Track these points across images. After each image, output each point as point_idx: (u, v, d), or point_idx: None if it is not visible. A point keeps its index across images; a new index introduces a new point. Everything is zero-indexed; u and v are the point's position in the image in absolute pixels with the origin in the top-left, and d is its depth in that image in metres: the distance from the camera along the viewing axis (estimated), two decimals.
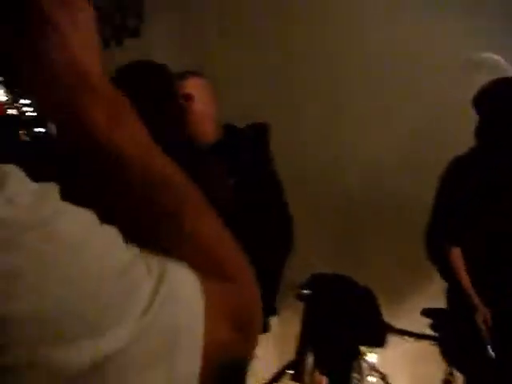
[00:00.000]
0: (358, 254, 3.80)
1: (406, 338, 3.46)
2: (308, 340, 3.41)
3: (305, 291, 3.42)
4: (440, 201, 2.72)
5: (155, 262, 0.62)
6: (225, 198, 2.04)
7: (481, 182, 2.60)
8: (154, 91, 2.11)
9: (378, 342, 3.41)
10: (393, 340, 3.44)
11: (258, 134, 2.78)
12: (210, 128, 2.55)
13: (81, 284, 0.55)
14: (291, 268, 3.25)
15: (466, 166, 2.67)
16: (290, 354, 3.41)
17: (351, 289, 3.41)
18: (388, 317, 3.48)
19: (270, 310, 2.86)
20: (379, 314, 3.40)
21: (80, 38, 0.67)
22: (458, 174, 2.69)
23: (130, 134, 0.68)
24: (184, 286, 0.62)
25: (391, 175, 3.77)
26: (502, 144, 2.58)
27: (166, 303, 0.59)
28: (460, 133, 2.93)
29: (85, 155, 0.67)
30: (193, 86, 2.53)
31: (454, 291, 2.77)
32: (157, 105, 2.07)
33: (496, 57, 2.86)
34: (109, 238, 0.60)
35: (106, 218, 0.61)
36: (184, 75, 2.51)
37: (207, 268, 0.65)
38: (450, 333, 2.97)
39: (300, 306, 3.38)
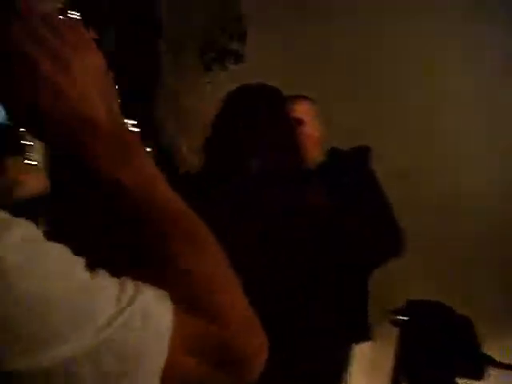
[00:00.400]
0: (460, 282, 3.70)
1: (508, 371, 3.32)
2: (403, 368, 3.34)
3: (400, 317, 3.36)
4: None
5: (131, 285, 0.63)
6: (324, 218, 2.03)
7: None
8: (268, 114, 2.14)
9: (476, 375, 3.30)
10: (494, 374, 3.32)
11: (361, 156, 2.76)
12: (317, 152, 2.57)
13: (32, 302, 0.58)
14: (386, 292, 3.22)
15: None
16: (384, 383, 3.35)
17: (449, 317, 3.32)
18: (490, 350, 3.37)
19: (363, 335, 2.82)
20: (478, 345, 3.29)
21: (86, 83, 0.69)
22: None
23: (134, 173, 0.70)
24: (153, 313, 0.62)
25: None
26: None
27: (129, 325, 0.60)
28: None
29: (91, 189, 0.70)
30: (303, 111, 2.57)
31: None
32: (271, 127, 2.10)
33: None
34: (62, 255, 0.62)
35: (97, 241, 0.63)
36: (294, 99, 2.55)
37: (192, 304, 0.65)
38: None
39: (394, 332, 3.32)
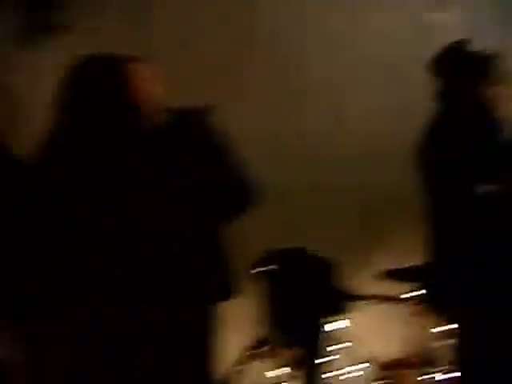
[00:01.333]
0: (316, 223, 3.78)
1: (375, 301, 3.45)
2: (270, 318, 3.39)
3: (261, 268, 3.39)
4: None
5: None
6: None
7: None
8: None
9: (339, 310, 3.41)
10: (362, 306, 3.44)
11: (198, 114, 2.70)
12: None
13: None
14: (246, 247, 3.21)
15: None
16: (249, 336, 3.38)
17: (308, 261, 3.39)
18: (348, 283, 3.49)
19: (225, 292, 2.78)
20: (338, 283, 3.39)
21: None
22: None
23: None
24: None
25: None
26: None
27: None
28: None
29: None
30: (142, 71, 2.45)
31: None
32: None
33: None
34: None
35: None
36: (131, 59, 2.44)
37: None
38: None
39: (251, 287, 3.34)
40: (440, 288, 2.94)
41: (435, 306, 3.09)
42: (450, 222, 2.80)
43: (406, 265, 3.15)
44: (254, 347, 3.47)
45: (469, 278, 2.70)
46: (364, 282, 3.59)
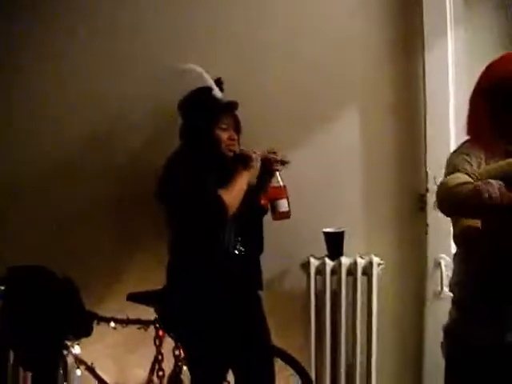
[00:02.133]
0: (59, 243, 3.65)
1: (114, 325, 3.36)
2: (9, 338, 3.21)
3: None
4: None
5: None
6: None
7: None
8: None
9: (82, 333, 3.29)
10: (100, 329, 3.35)
11: None
12: None
13: None
14: None
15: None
16: None
17: (50, 280, 3.25)
18: (94, 305, 3.39)
19: None
20: (81, 304, 3.28)
21: None
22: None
23: None
24: None
25: None
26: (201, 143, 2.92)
27: None
28: None
29: None
30: None
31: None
32: None
33: (199, 69, 3.10)
34: None
35: None
36: None
37: None
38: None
39: None
40: (165, 312, 3.00)
41: (165, 329, 3.13)
42: (176, 251, 2.91)
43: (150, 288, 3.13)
44: None
45: (184, 304, 2.80)
46: (110, 304, 3.52)
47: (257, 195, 3.07)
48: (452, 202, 2.03)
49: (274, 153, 3.06)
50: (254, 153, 2.95)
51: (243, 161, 2.94)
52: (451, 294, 2.38)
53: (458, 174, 2.11)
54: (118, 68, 3.65)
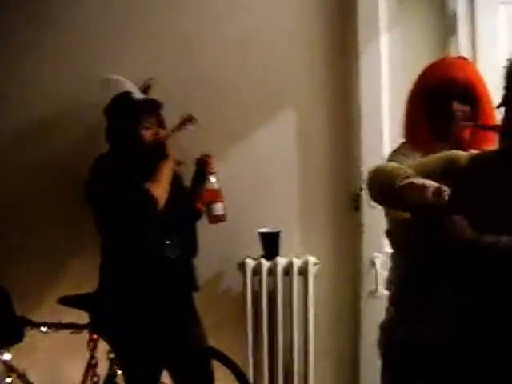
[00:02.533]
0: None
1: (47, 330, 3.27)
2: None
3: None
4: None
5: None
6: None
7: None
8: None
9: (13, 339, 3.21)
10: (33, 335, 3.26)
11: None
12: None
13: None
14: None
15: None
16: None
17: None
18: (29, 311, 3.30)
19: None
20: (12, 309, 3.19)
21: None
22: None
23: None
24: None
25: None
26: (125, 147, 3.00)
27: None
28: None
29: None
30: None
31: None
32: None
33: (120, 77, 3.22)
34: None
35: None
36: None
37: None
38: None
39: None
40: (97, 315, 2.98)
41: (99, 332, 3.09)
42: (107, 253, 2.95)
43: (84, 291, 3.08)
44: None
45: (114, 306, 2.81)
46: (45, 309, 3.43)
47: (192, 198, 3.09)
48: (382, 181, 1.86)
49: (208, 156, 3.10)
50: (165, 137, 3.00)
51: (160, 150, 2.98)
52: (387, 292, 2.40)
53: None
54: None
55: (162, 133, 3.02)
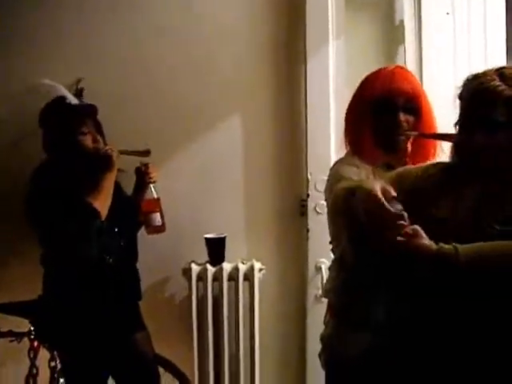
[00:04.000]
0: None
1: None
2: None
3: None
4: None
5: None
6: None
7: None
8: None
9: None
10: None
11: None
12: None
13: None
14: None
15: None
16: None
17: None
18: None
19: None
20: None
21: None
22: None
23: None
24: None
25: None
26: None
27: None
28: None
29: None
30: None
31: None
32: None
33: (50, 82, 3.11)
34: None
35: None
36: None
37: None
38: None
39: None
40: (39, 322, 2.94)
41: (40, 340, 3.03)
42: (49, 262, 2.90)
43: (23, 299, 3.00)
44: None
45: (56, 313, 2.82)
46: None
47: (132, 208, 3.04)
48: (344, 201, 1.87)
49: (147, 165, 3.05)
50: (112, 150, 2.91)
51: (104, 162, 2.89)
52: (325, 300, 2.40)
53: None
54: None
55: (110, 146, 2.94)
